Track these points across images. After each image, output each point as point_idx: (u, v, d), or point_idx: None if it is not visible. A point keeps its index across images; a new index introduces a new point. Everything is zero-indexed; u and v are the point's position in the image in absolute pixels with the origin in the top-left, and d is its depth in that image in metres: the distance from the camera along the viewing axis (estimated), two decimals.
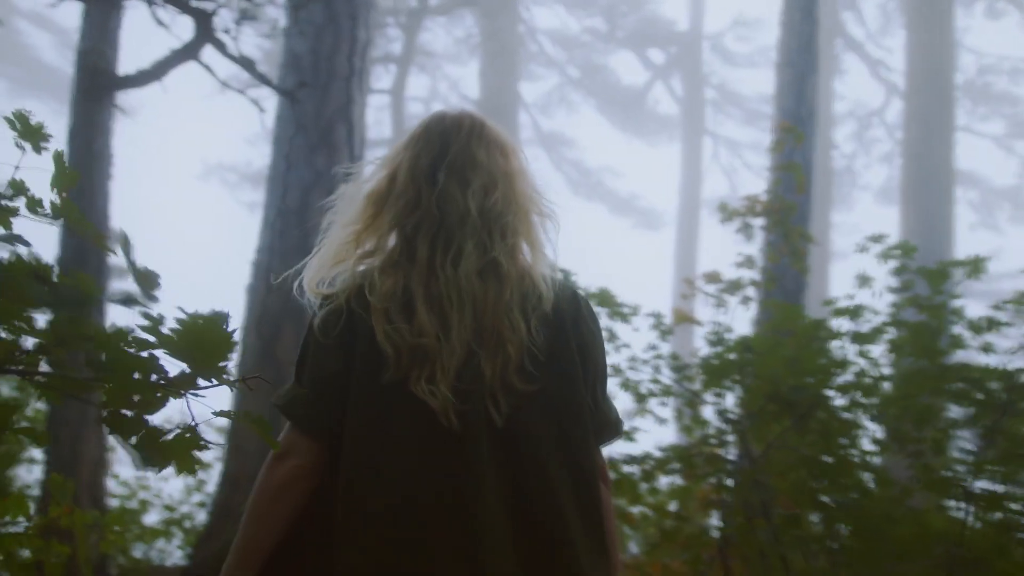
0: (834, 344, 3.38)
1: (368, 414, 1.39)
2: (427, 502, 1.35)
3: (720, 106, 21.39)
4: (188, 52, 5.28)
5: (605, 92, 22.84)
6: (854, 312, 3.15)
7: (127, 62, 7.01)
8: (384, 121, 19.67)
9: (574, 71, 22.85)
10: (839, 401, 3.52)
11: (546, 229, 1.56)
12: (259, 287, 7.06)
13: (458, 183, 1.48)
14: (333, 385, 1.42)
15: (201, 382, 1.03)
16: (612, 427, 1.55)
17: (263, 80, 5.81)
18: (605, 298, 3.82)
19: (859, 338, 3.17)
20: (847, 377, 3.57)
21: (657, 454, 3.95)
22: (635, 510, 4.06)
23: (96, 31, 6.78)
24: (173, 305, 1.07)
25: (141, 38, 7.34)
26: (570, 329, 1.48)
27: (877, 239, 3.34)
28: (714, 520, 4.27)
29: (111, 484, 7.55)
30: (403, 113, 16.09)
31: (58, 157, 1.28)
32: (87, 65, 6.22)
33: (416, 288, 1.43)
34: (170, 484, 7.59)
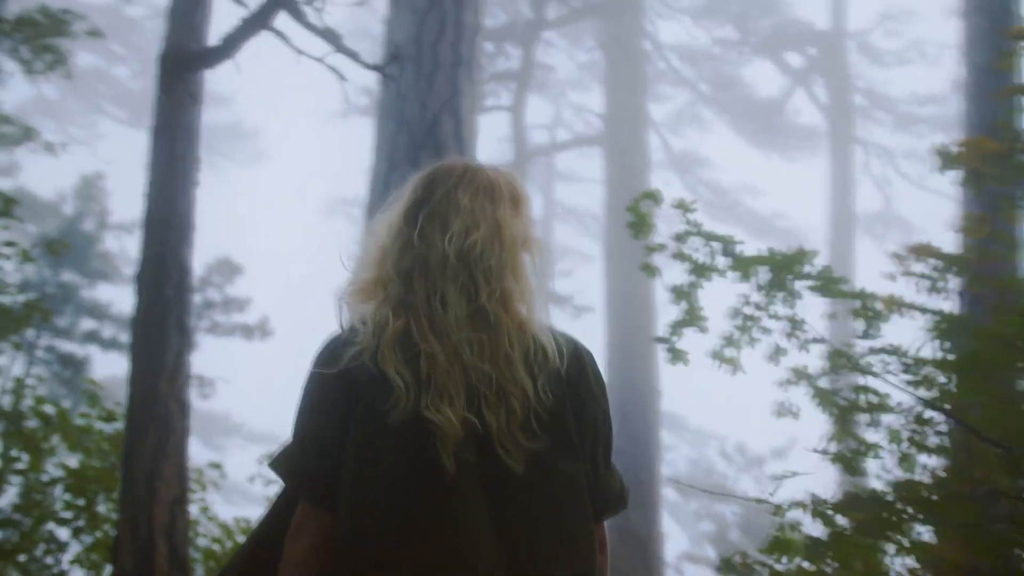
0: None
1: (366, 458, 1.37)
2: (421, 554, 1.31)
3: (868, 112, 19.54)
4: (260, 20, 4.56)
5: (739, 106, 21.41)
6: None
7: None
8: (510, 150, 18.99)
9: (704, 87, 21.57)
10: None
11: (543, 277, 1.51)
12: None
13: (439, 227, 1.47)
14: (334, 441, 1.40)
15: None
16: (615, 499, 1.49)
17: (349, 54, 5.04)
18: (791, 262, 2.67)
19: None
20: None
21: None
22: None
23: (180, 28, 6.20)
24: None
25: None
26: (569, 391, 1.42)
27: None
28: None
29: (207, 525, 6.84)
30: (524, 135, 15.30)
31: None
32: (165, 58, 5.62)
33: (421, 323, 1.40)
34: None
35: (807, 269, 2.72)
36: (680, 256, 3.20)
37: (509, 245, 1.46)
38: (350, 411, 1.38)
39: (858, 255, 18.54)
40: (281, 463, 1.46)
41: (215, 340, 11.57)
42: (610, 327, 14.70)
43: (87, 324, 12.65)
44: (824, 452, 2.68)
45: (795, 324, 3.01)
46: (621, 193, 15.17)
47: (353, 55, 5.01)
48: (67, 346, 12.38)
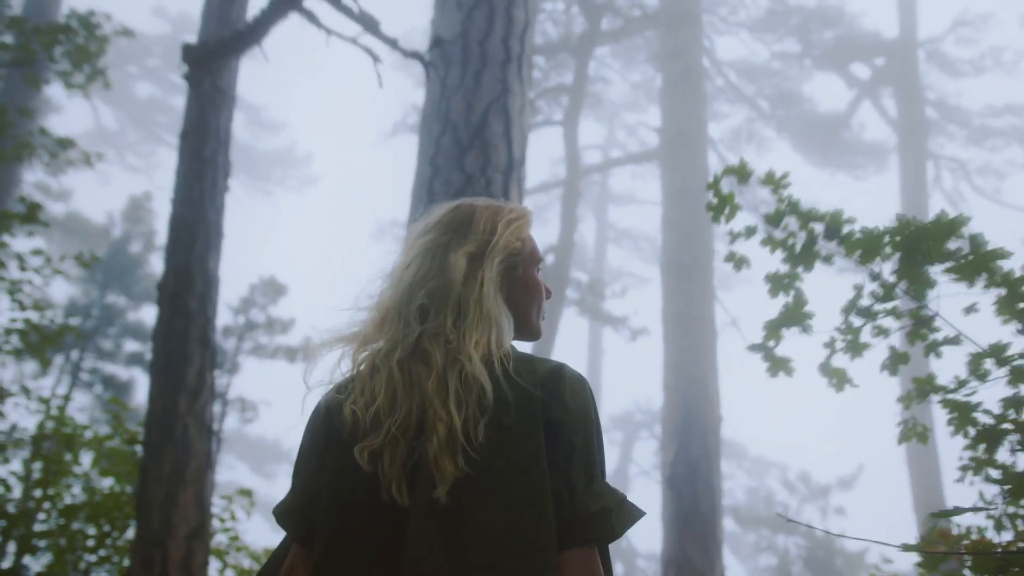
0: None
1: (329, 491, 1.43)
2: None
3: (939, 125, 18.58)
4: (288, 1, 4.14)
5: (800, 123, 20.64)
6: None
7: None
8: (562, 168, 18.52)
9: (764, 103, 20.86)
10: None
11: (496, 316, 1.49)
12: None
13: (402, 267, 1.54)
14: (314, 485, 1.47)
15: None
16: (595, 519, 1.38)
17: (388, 42, 4.59)
18: (936, 234, 2.06)
19: None
20: None
21: None
22: None
23: (214, 25, 5.83)
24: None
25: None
26: (539, 410, 1.41)
27: None
28: None
29: (237, 557, 6.36)
30: (576, 151, 14.80)
31: None
32: (188, 49, 5.24)
33: (380, 362, 1.48)
34: None
35: (952, 246, 2.12)
36: (770, 242, 2.62)
37: (457, 285, 1.47)
38: (323, 449, 1.47)
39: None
40: (278, 511, 1.52)
41: (258, 362, 11.22)
42: (668, 350, 13.99)
43: (132, 346, 12.44)
44: (1003, 484, 2.04)
45: (922, 321, 2.39)
46: (679, 212, 14.53)
47: (391, 42, 4.56)
48: (111, 368, 12.15)
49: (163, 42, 27.41)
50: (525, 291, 1.57)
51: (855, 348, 2.65)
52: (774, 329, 2.49)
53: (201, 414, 4.94)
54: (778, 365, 2.52)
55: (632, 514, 1.40)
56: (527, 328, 1.58)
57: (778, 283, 2.52)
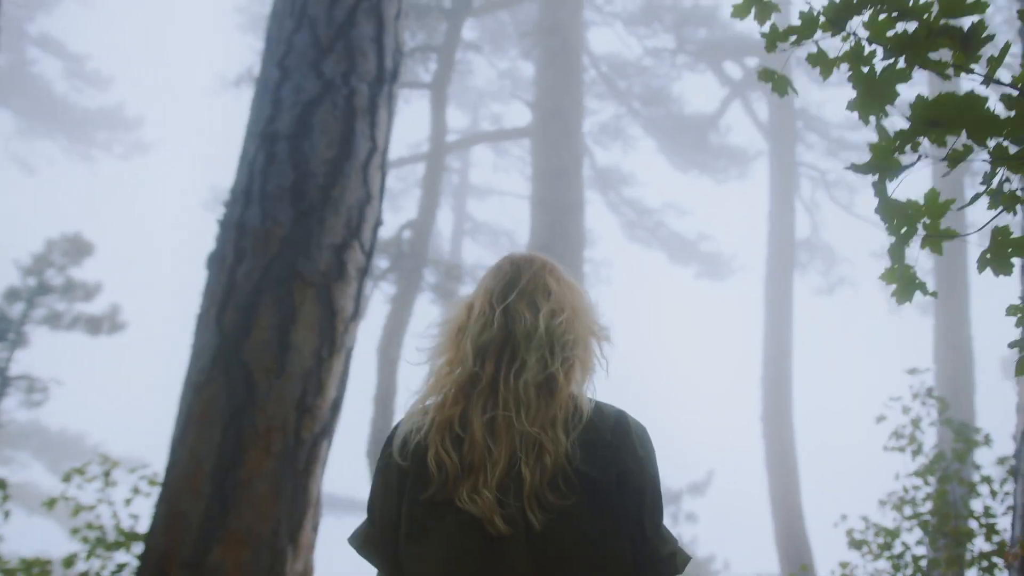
0: None
1: (416, 532, 1.54)
2: None
3: (801, 134, 18.74)
4: None
5: (667, 123, 20.39)
6: None
7: None
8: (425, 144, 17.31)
9: (634, 100, 20.48)
10: None
11: (602, 359, 1.67)
12: (226, 254, 4.38)
13: (528, 305, 1.64)
14: (397, 519, 1.58)
15: None
16: (664, 563, 1.53)
17: None
18: None
19: None
20: None
21: None
22: None
23: None
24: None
25: None
26: (611, 456, 1.52)
27: None
28: None
29: None
30: (444, 120, 13.66)
31: None
32: None
33: (475, 408, 1.56)
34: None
35: None
36: (819, 60, 1.67)
37: (583, 328, 1.64)
38: (403, 492, 1.56)
39: (798, 284, 17.48)
40: (359, 541, 1.66)
41: (52, 334, 9.30)
42: None
43: None
44: None
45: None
46: (550, 193, 13.62)
47: None
48: None
49: None
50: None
51: (935, 240, 1.66)
52: (887, 149, 1.48)
53: None
54: (891, 210, 1.51)
55: (687, 557, 1.57)
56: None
57: (869, 96, 1.52)
